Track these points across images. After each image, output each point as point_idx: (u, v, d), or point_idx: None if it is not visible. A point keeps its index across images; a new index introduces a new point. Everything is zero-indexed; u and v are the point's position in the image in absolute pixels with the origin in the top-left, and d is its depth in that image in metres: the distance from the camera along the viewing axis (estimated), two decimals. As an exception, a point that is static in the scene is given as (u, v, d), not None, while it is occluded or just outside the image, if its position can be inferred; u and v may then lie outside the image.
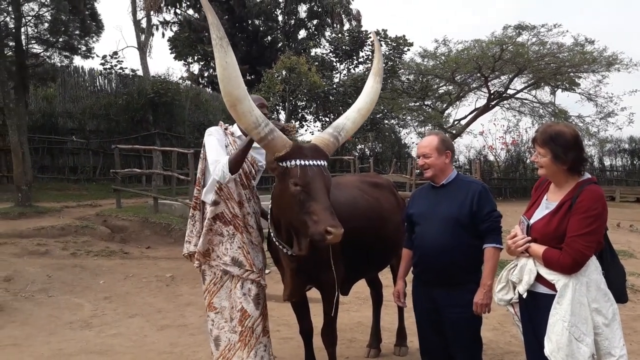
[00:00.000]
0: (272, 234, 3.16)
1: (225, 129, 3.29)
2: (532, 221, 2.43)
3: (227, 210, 3.19)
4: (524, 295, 2.39)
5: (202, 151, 3.29)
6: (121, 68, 17.35)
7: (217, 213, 3.20)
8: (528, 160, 28.37)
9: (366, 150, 26.41)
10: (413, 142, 28.36)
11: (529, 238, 2.38)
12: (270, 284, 4.73)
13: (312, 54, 23.96)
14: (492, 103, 23.60)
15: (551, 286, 2.30)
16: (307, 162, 2.74)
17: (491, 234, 2.73)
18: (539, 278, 2.35)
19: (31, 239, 8.28)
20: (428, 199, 2.94)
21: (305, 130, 22.89)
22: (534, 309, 2.39)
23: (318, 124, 22.95)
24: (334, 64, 23.38)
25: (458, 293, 2.76)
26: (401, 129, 26.95)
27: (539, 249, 2.32)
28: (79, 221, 9.59)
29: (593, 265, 2.28)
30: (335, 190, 3.45)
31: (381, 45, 23.08)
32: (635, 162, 29.65)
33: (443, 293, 2.80)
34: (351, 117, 3.14)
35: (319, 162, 2.79)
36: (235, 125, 3.31)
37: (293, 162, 2.74)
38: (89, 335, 4.85)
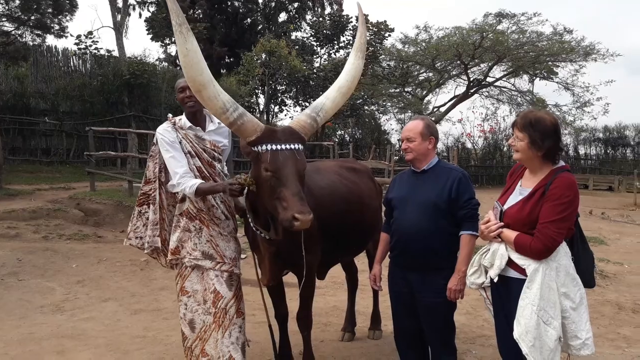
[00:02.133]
0: (249, 219, 3.13)
1: (174, 123, 3.20)
2: (505, 207, 2.45)
3: (192, 205, 3.14)
4: (495, 280, 2.41)
5: (152, 149, 3.28)
6: (96, 48, 16.93)
7: (182, 210, 3.16)
8: (505, 148, 28.79)
9: (346, 136, 26.45)
10: (393, 129, 28.55)
11: (502, 223, 2.41)
12: (246, 268, 4.72)
13: (293, 37, 23.76)
14: (471, 91, 23.82)
15: (522, 271, 2.33)
16: (278, 147, 2.69)
17: (468, 221, 2.75)
18: (510, 263, 2.38)
19: (1, 222, 8.06)
20: (408, 184, 2.94)
21: (285, 115, 22.77)
22: (505, 293, 2.42)
23: (298, 108, 22.83)
24: (315, 48, 23.21)
25: (433, 278, 2.78)
26: (381, 115, 27.03)
27: (511, 234, 2.35)
28: (51, 204, 9.37)
29: (563, 251, 2.31)
30: (315, 175, 3.45)
31: (362, 31, 23.00)
32: (608, 151, 30.34)
33: (418, 277, 2.82)
34: (331, 97, 3.03)
35: (291, 146, 2.72)
36: (183, 115, 3.24)
37: (264, 147, 2.70)
38: (61, 320, 4.77)
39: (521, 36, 20.75)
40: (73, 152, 15.67)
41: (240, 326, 3.20)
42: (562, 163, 2.39)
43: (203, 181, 3.07)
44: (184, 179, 3.04)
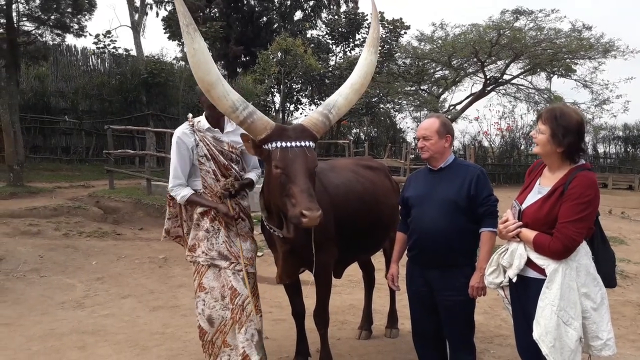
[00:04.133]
0: (263, 217, 3.15)
1: (193, 124, 3.23)
2: (524, 206, 2.42)
3: None
4: (514, 280, 2.40)
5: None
6: (114, 47, 17.16)
7: (205, 209, 3.21)
8: (522, 147, 28.48)
9: (361, 134, 26.38)
10: (408, 127, 28.38)
11: (520, 223, 2.38)
12: (263, 266, 4.76)
13: (308, 35, 23.76)
14: (488, 88, 23.56)
15: (541, 271, 2.31)
16: (287, 144, 2.70)
17: (488, 218, 2.73)
18: (529, 263, 2.35)
19: (23, 219, 8.22)
20: (425, 182, 2.92)
21: (300, 114, 22.80)
22: (524, 293, 2.40)
23: (313, 107, 22.83)
24: (330, 46, 23.19)
25: (453, 276, 2.77)
26: (396, 113, 26.88)
27: (529, 234, 2.32)
28: (71, 202, 9.54)
29: (583, 250, 2.29)
30: (331, 173, 3.46)
31: (378, 28, 22.92)
32: (628, 149, 29.79)
33: (438, 276, 2.80)
34: (343, 94, 3.01)
35: (302, 143, 2.73)
36: (202, 117, 3.27)
37: (273, 145, 2.72)
38: (81, 316, 4.85)
39: (539, 33, 20.44)
40: (92, 150, 15.90)
41: (256, 323, 3.23)
42: (582, 161, 2.35)
43: (195, 192, 3.18)
44: (177, 188, 3.18)
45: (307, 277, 3.52)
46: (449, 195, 2.77)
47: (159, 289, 5.80)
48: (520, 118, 26.52)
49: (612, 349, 2.26)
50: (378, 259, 4.66)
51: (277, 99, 21.86)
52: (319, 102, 22.25)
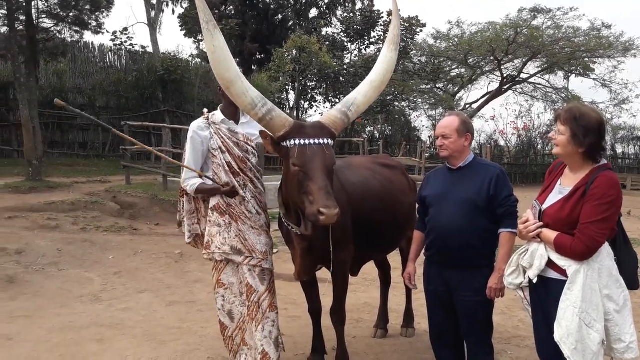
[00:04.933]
0: (281, 214, 3.16)
1: (207, 118, 3.25)
2: (544, 206, 2.40)
3: (222, 200, 3.19)
4: (534, 280, 2.37)
5: None
6: (131, 44, 17.32)
7: (213, 204, 3.22)
8: (539, 146, 28.16)
9: (375, 132, 26.30)
10: (423, 125, 28.24)
11: (541, 223, 2.36)
12: (278, 263, 4.76)
13: (323, 33, 23.74)
14: (505, 87, 23.36)
15: (562, 272, 2.28)
16: (305, 142, 2.70)
17: (507, 219, 2.71)
18: (550, 263, 2.33)
19: (42, 213, 8.35)
20: (444, 181, 2.90)
21: (315, 111, 22.80)
22: (544, 294, 2.38)
23: (328, 104, 22.82)
24: (345, 44, 23.15)
25: (472, 276, 2.75)
26: (411, 111, 26.75)
27: (551, 234, 2.30)
28: (88, 197, 9.67)
29: (605, 252, 2.26)
30: (348, 170, 3.46)
31: (393, 26, 22.82)
32: (647, 150, 29.31)
33: (457, 276, 2.79)
34: (362, 91, 3.00)
35: (320, 141, 2.73)
36: (218, 110, 3.29)
37: (292, 142, 2.72)
38: (99, 309, 4.92)
39: (557, 32, 20.22)
40: (109, 146, 16.08)
41: (273, 320, 3.24)
42: (604, 161, 2.32)
43: (204, 182, 3.19)
44: (189, 179, 3.22)
45: (323, 275, 3.52)
46: (468, 194, 2.75)
47: (175, 284, 5.85)
48: (537, 117, 26.22)
49: (635, 352, 2.23)
50: (393, 258, 4.65)
51: (292, 96, 21.90)
52: (333, 100, 22.22)
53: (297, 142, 2.71)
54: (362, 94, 3.00)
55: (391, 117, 24.54)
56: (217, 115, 3.27)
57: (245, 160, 3.21)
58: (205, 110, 3.35)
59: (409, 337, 4.26)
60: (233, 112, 3.25)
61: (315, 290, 3.56)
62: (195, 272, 6.39)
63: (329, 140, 2.78)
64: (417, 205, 3.18)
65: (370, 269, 4.85)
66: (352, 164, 3.69)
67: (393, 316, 4.55)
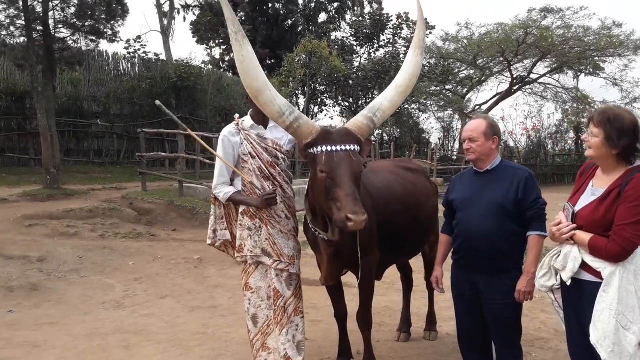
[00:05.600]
0: (308, 220, 3.18)
1: (237, 124, 3.29)
2: (577, 208, 2.40)
3: None
4: (568, 283, 2.37)
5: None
6: (145, 52, 17.49)
7: (244, 208, 3.26)
8: (549, 147, 27.98)
9: (384, 135, 26.29)
10: (432, 127, 28.20)
11: (574, 225, 2.36)
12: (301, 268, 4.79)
13: (333, 37, 23.81)
14: (515, 88, 23.25)
15: (596, 274, 2.28)
16: (332, 148, 2.71)
17: (536, 222, 2.70)
18: (584, 265, 2.32)
19: (61, 221, 8.44)
20: (471, 184, 2.91)
21: (325, 116, 22.86)
22: (578, 297, 2.38)
23: (337, 108, 22.88)
24: (355, 48, 23.19)
25: (500, 279, 2.75)
26: (421, 113, 26.72)
27: (585, 236, 2.30)
28: (106, 204, 9.76)
29: (640, 253, 2.25)
30: (372, 175, 3.47)
31: (402, 29, 22.92)
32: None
33: (485, 279, 2.79)
34: (388, 96, 3.00)
35: (347, 147, 2.74)
36: (247, 116, 3.33)
37: (319, 149, 2.74)
38: (123, 315, 4.96)
39: (567, 31, 20.10)
40: (124, 153, 16.23)
41: (297, 324, 3.26)
42: (638, 162, 2.32)
43: (238, 190, 3.24)
44: (221, 186, 3.26)
45: (348, 279, 3.54)
46: (496, 198, 2.75)
47: (196, 290, 5.89)
48: (548, 117, 26.03)
49: (671, 353, 2.22)
50: (413, 261, 4.65)
51: (302, 101, 21.95)
52: (343, 104, 22.27)
53: (323, 149, 2.73)
54: (388, 99, 3.01)
55: (400, 119, 24.52)
56: (247, 121, 3.31)
57: (274, 165, 3.24)
58: (237, 116, 3.40)
59: (432, 341, 4.25)
60: (262, 118, 3.28)
61: (341, 295, 3.58)
62: (215, 277, 6.44)
63: (356, 147, 2.79)
64: (443, 209, 3.18)
65: (389, 273, 4.85)
66: (375, 168, 3.71)
67: (414, 319, 4.54)
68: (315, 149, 2.76)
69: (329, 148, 2.72)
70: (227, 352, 3.98)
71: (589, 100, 22.09)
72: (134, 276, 6.38)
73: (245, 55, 2.70)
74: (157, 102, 3.72)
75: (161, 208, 9.93)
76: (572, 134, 27.46)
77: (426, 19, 21.64)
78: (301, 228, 3.43)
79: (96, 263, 6.78)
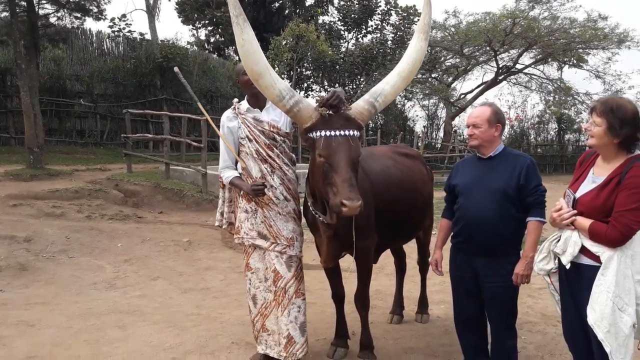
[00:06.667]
0: (309, 202, 3.21)
1: (234, 108, 3.32)
2: (578, 195, 2.47)
3: None
4: (568, 267, 2.45)
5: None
6: (129, 31, 17.14)
7: (243, 192, 3.30)
8: (532, 137, 28.38)
9: (370, 122, 26.32)
10: (417, 115, 28.33)
11: (575, 211, 2.43)
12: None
13: (320, 21, 23.61)
14: (500, 78, 23.43)
15: (595, 258, 2.36)
16: (331, 133, 2.73)
17: (536, 208, 2.77)
18: (583, 250, 2.40)
19: (46, 201, 8.33)
20: (473, 170, 2.96)
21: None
22: (576, 280, 2.46)
23: (323, 93, 22.75)
24: (342, 32, 23.05)
25: (500, 263, 2.82)
26: (406, 101, 26.78)
27: (585, 222, 2.37)
28: (91, 184, 9.65)
29: (638, 238, 2.32)
30: (370, 160, 3.51)
31: (390, 15, 22.84)
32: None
33: (484, 263, 2.86)
34: (391, 81, 2.99)
35: (346, 132, 2.75)
36: (244, 100, 3.34)
37: (318, 133, 2.76)
38: (115, 296, 4.96)
39: (553, 22, 20.26)
40: (107, 134, 15.98)
41: (299, 306, 3.30)
42: (638, 151, 2.39)
43: (238, 175, 3.31)
44: (224, 170, 3.34)
45: (344, 264, 3.59)
46: (498, 184, 2.81)
47: (187, 272, 5.90)
48: (532, 107, 26.36)
49: (665, 335, 2.32)
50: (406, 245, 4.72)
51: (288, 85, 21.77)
52: (329, 89, 22.16)
53: (322, 133, 2.75)
54: (390, 84, 3.00)
55: (386, 107, 24.54)
56: (243, 104, 3.33)
57: (272, 147, 3.24)
58: (235, 100, 3.40)
59: (423, 323, 4.35)
60: (256, 101, 3.30)
61: (339, 278, 3.63)
62: (205, 260, 6.45)
63: (355, 132, 2.81)
64: (443, 194, 3.24)
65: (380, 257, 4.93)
66: (374, 153, 3.74)
67: (406, 302, 4.62)
68: (314, 133, 2.78)
69: (327, 133, 2.74)
70: (223, 332, 4.01)
71: (572, 92, 22.39)
72: (124, 257, 6.36)
73: (245, 39, 2.70)
74: (176, 68, 3.77)
75: (147, 190, 9.86)
76: (554, 125, 27.90)
77: (414, 6, 21.65)
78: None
79: (84, 244, 6.73)
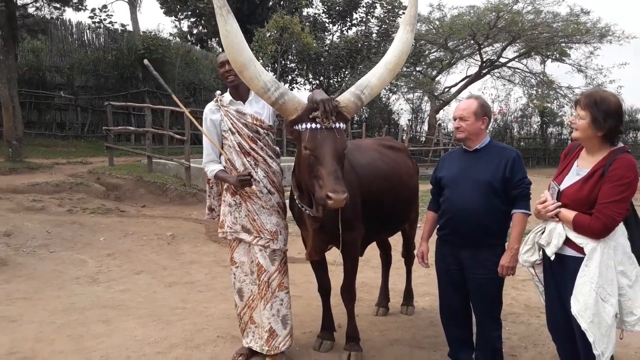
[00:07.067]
0: (295, 195, 3.19)
1: (217, 101, 3.29)
2: (562, 187, 2.50)
3: None
4: (552, 258, 2.48)
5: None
6: (110, 22, 16.84)
7: (227, 185, 3.28)
8: (515, 130, 28.69)
9: (355, 115, 26.33)
10: (402, 109, 28.44)
11: (560, 203, 2.46)
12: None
13: (304, 13, 23.49)
14: (484, 71, 23.59)
15: (579, 249, 2.39)
16: (317, 125, 2.71)
17: (521, 200, 2.80)
18: (567, 241, 2.43)
19: (26, 195, 8.18)
20: (459, 162, 2.97)
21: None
22: (560, 271, 2.49)
23: (308, 86, 22.72)
24: (327, 25, 22.97)
25: (485, 255, 2.85)
26: (391, 94, 26.85)
27: (569, 214, 2.40)
28: (72, 178, 9.50)
29: (620, 230, 2.37)
30: (357, 152, 3.50)
31: (375, 8, 22.82)
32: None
33: (469, 255, 2.88)
34: (377, 73, 2.96)
35: (332, 125, 2.73)
36: (227, 93, 3.32)
37: (303, 126, 2.73)
38: (98, 291, 4.89)
39: (536, 16, 20.45)
40: (88, 126, 15.74)
41: (282, 299, 3.28)
42: (621, 144, 2.42)
43: (222, 168, 3.26)
44: (209, 164, 3.30)
45: (330, 257, 3.59)
46: (484, 176, 2.82)
47: (171, 266, 5.84)
48: (515, 101, 26.63)
49: (645, 324, 2.36)
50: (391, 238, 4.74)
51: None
52: (314, 82, 22.12)
53: (308, 125, 2.72)
54: (376, 76, 2.98)
55: (371, 99, 24.56)
56: (226, 97, 3.30)
57: (256, 140, 3.21)
58: (218, 92, 3.37)
59: (409, 315, 4.37)
60: (238, 93, 3.27)
61: (325, 270, 3.62)
62: (189, 254, 6.40)
63: (341, 125, 2.78)
64: (429, 186, 3.24)
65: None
66: (361, 146, 3.73)
67: (391, 295, 4.64)
68: (300, 125, 2.75)
69: (313, 125, 2.72)
70: (208, 326, 3.99)
71: (555, 85, 22.64)
72: (106, 252, 6.27)
73: (229, 30, 2.66)
74: (145, 61, 3.71)
75: (130, 183, 9.74)
76: (537, 118, 28.22)
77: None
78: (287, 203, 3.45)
79: (66, 238, 6.62)
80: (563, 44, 21.89)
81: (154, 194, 9.71)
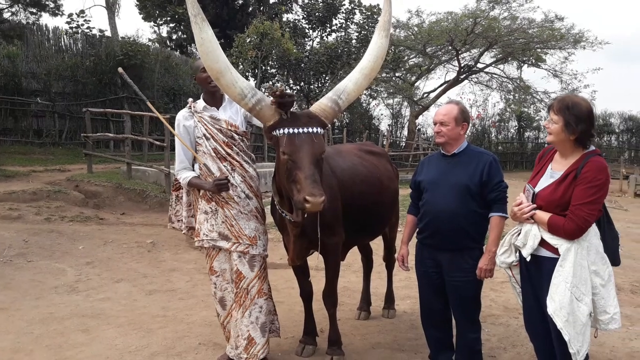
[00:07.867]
0: (275, 201, 3.20)
1: (190, 107, 3.28)
2: (537, 189, 2.56)
3: None
4: (528, 259, 2.53)
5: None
6: (88, 28, 16.63)
7: (202, 192, 3.25)
8: (493, 135, 29.09)
9: (336, 121, 26.45)
10: (382, 114, 28.64)
11: (535, 205, 2.52)
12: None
13: (284, 19, 23.54)
14: (462, 77, 23.92)
15: (554, 250, 2.45)
16: (294, 130, 2.73)
17: (498, 204, 2.86)
18: (543, 242, 2.49)
19: (2, 203, 8.04)
20: (438, 167, 3.03)
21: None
22: (536, 272, 2.55)
23: (289, 92, 22.66)
24: (307, 31, 23.04)
25: (463, 258, 2.90)
26: (371, 100, 27.03)
27: (544, 215, 2.46)
28: (50, 186, 9.36)
29: (593, 231, 2.44)
30: (337, 157, 3.53)
31: (354, 14, 22.99)
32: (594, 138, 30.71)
33: (448, 257, 2.93)
34: (353, 79, 2.97)
35: (309, 130, 2.75)
36: (200, 99, 3.32)
37: (281, 131, 2.75)
38: (78, 300, 4.82)
39: (512, 22, 20.86)
40: (65, 133, 15.50)
41: (261, 306, 3.26)
42: (592, 147, 2.50)
43: (196, 175, 3.24)
44: (181, 171, 3.28)
45: (312, 262, 3.61)
46: (462, 180, 2.88)
47: (151, 273, 5.79)
48: (493, 106, 27.06)
49: (618, 322, 2.43)
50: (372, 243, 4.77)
51: (252, 83, 21.63)
52: (294, 87, 22.13)
53: (285, 131, 2.74)
54: (353, 82, 3.00)
55: (351, 105, 24.71)
56: (200, 103, 3.30)
57: (231, 145, 3.21)
58: (190, 100, 3.35)
59: (390, 318, 4.41)
60: (212, 99, 3.27)
61: (307, 275, 3.64)
62: (170, 261, 6.34)
63: (319, 129, 2.80)
64: (409, 191, 3.29)
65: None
66: (341, 151, 3.78)
67: (372, 298, 4.67)
68: (277, 131, 2.77)
69: (290, 130, 2.73)
70: (190, 333, 3.97)
71: (531, 90, 23.06)
72: (85, 260, 6.19)
73: (204, 38, 2.68)
74: (120, 69, 3.66)
75: (109, 191, 9.63)
76: (514, 123, 28.67)
77: (378, 5, 21.83)
78: (268, 208, 3.45)
79: (43, 247, 6.52)
80: (539, 50, 22.33)
81: (134, 201, 9.61)
